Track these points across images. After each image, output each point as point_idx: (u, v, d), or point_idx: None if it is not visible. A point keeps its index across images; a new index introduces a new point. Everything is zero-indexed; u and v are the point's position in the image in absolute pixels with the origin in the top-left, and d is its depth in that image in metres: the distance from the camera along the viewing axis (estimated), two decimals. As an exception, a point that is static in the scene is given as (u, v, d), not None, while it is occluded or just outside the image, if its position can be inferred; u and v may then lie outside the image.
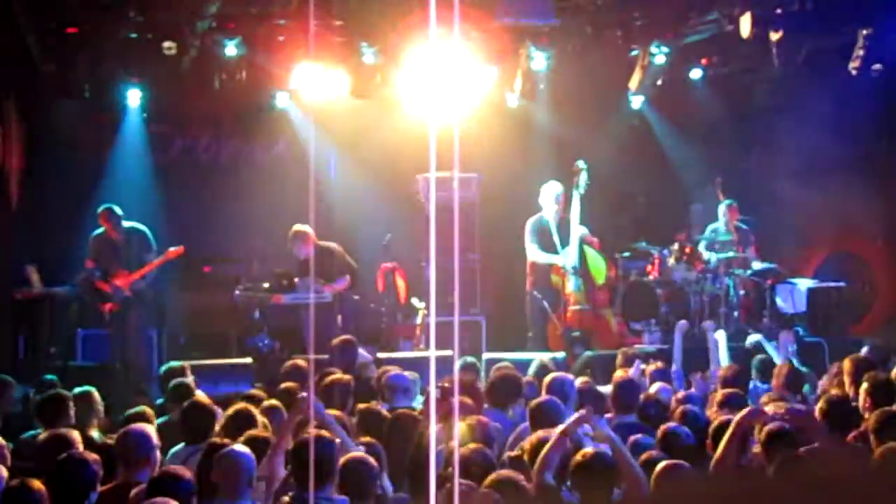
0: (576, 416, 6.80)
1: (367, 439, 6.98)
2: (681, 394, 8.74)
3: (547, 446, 6.50)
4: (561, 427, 6.63)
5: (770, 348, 11.14)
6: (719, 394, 8.40)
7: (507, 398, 8.51)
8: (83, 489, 6.12)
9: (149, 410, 8.24)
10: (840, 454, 6.75)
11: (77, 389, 8.24)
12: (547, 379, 8.43)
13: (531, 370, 10.01)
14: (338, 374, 8.85)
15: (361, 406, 8.15)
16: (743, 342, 11.93)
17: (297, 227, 12.09)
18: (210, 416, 7.48)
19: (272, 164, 15.05)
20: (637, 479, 6.38)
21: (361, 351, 10.57)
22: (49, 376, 9.76)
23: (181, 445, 7.38)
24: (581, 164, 12.69)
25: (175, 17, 12.74)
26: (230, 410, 7.47)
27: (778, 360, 10.42)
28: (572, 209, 12.64)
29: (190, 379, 9.15)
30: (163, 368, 9.96)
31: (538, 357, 10.85)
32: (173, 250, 11.70)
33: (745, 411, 6.86)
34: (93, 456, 6.32)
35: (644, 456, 6.73)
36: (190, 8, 12.70)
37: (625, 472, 6.43)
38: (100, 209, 11.75)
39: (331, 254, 12.19)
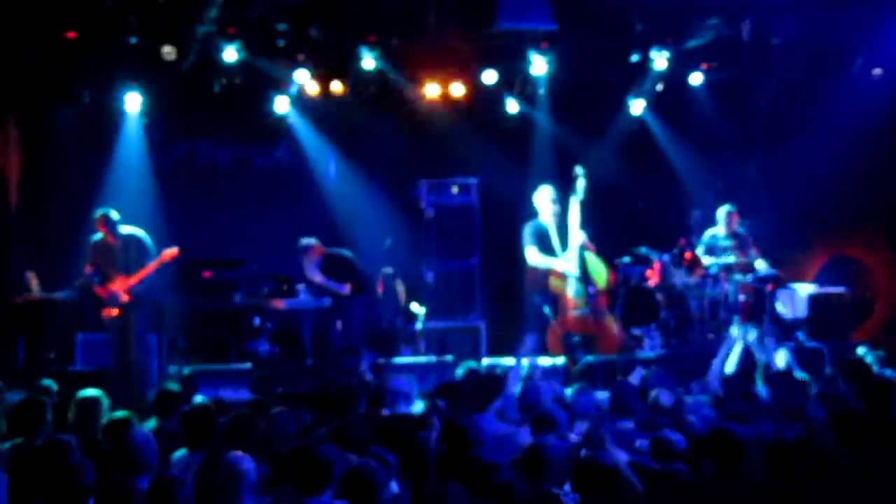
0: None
1: (379, 446, 6.94)
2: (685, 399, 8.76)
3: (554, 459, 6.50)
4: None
5: (757, 348, 11.13)
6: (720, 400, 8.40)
7: (487, 399, 8.53)
8: (79, 495, 6.10)
9: (130, 417, 8.11)
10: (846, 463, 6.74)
11: (81, 393, 8.21)
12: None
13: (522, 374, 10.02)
14: (346, 381, 8.88)
15: (363, 411, 8.15)
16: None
17: (304, 240, 12.19)
18: (211, 421, 7.46)
19: (272, 169, 15.05)
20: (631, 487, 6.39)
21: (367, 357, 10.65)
22: (46, 381, 9.72)
23: (184, 451, 7.36)
24: (579, 169, 12.68)
25: (175, 22, 12.74)
26: (232, 416, 7.43)
27: (762, 357, 10.39)
28: (571, 214, 12.62)
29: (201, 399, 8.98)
30: (186, 371, 9.74)
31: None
32: (168, 252, 11.66)
33: None
34: (89, 462, 6.30)
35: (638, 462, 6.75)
36: (189, 12, 12.69)
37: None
38: (96, 214, 11.73)
39: (337, 261, 12.32)
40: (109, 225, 11.62)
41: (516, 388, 8.76)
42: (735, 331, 12.17)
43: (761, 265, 13.22)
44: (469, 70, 14.00)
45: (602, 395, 9.06)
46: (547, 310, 12.45)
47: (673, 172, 15.48)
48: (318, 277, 12.32)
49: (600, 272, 12.74)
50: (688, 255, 13.29)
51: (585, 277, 12.62)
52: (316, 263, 12.33)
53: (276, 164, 15.11)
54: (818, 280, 14.71)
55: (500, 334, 13.52)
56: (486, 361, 12.16)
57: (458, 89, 14.13)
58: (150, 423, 8.26)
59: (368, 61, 13.47)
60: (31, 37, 12.44)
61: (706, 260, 13.19)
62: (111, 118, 13.80)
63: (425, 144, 14.45)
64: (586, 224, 12.76)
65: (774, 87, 14.73)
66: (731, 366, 11.64)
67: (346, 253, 12.68)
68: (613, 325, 12.82)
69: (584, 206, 12.63)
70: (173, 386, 8.97)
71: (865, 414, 7.52)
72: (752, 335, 11.92)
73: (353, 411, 8.23)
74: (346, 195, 14.74)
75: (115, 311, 11.56)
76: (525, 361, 10.63)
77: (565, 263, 12.50)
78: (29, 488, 6.19)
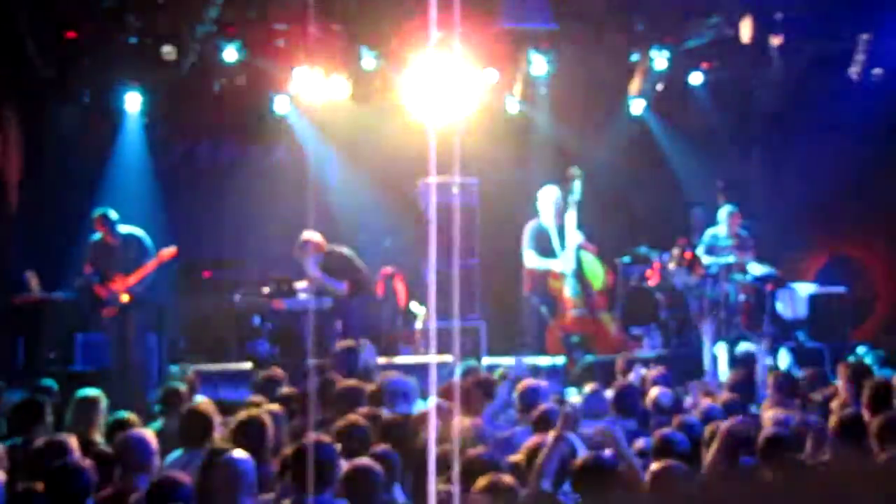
0: (562, 419, 6.79)
1: (382, 446, 6.93)
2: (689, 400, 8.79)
3: (543, 453, 6.48)
4: (553, 433, 6.62)
5: (761, 360, 11.08)
6: (721, 399, 8.40)
7: (487, 399, 8.54)
8: (78, 497, 6.09)
9: (133, 417, 8.09)
10: (846, 463, 6.72)
11: (80, 392, 8.21)
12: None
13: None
14: (347, 381, 8.85)
15: (363, 411, 8.14)
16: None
17: (306, 234, 12.16)
18: (208, 421, 7.45)
19: (272, 169, 15.04)
20: (641, 481, 6.38)
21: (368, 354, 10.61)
22: (46, 381, 9.72)
23: (180, 451, 7.35)
24: (576, 170, 12.68)
25: (174, 22, 12.73)
26: (241, 416, 7.40)
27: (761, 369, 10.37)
28: (568, 215, 12.63)
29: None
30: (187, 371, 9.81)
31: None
32: (166, 251, 11.66)
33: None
34: (88, 462, 6.29)
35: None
36: (189, 12, 12.69)
37: (629, 476, 6.43)
38: (94, 214, 11.73)
39: (337, 258, 12.30)
40: (108, 224, 11.62)
41: (514, 390, 8.76)
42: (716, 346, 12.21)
43: (755, 269, 13.23)
44: (469, 69, 13.98)
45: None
46: (544, 310, 12.45)
47: (673, 172, 15.48)
48: (316, 274, 12.30)
49: (597, 273, 12.75)
50: (688, 254, 13.27)
51: (581, 277, 12.64)
52: (315, 260, 12.28)
53: (276, 164, 15.09)
54: (818, 280, 14.70)
55: (500, 334, 13.52)
56: (486, 361, 12.14)
57: (458, 89, 14.11)
58: (156, 425, 8.26)
59: (368, 61, 13.47)
60: (31, 37, 12.43)
61: (706, 259, 13.18)
62: (111, 118, 13.79)
63: (425, 144, 14.41)
64: (586, 224, 12.77)
65: (774, 87, 14.73)
66: (724, 365, 11.65)
67: (346, 250, 12.64)
68: (612, 325, 12.83)
69: (583, 206, 12.64)
70: (178, 385, 8.98)
71: (865, 414, 7.51)
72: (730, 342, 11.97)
73: (353, 411, 8.23)
74: (346, 195, 14.73)
75: (114, 311, 11.56)
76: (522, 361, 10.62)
77: (561, 264, 12.51)
78: (28, 488, 6.18)
